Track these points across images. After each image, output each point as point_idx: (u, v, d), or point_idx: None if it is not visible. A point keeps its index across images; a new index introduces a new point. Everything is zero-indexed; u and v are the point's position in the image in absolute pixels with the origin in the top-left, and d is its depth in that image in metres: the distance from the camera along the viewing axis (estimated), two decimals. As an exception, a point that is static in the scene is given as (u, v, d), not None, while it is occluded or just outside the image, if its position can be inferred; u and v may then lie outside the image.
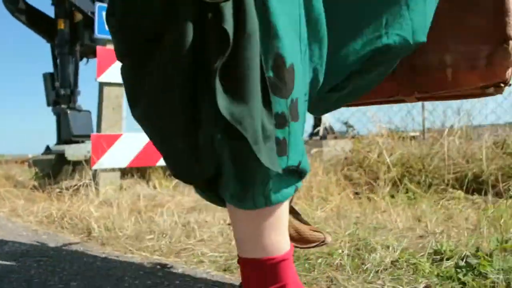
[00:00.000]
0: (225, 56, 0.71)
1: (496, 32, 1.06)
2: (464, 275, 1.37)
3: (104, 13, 3.34)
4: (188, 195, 3.07)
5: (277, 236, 0.90)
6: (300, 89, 0.82)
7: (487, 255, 1.48)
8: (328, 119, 6.82)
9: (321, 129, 6.71)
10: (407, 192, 3.17)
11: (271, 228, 0.89)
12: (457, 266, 1.44)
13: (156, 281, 1.44)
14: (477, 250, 1.54)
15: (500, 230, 1.75)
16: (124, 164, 3.45)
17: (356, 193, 3.19)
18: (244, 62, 0.72)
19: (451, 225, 2.06)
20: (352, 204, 2.73)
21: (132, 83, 0.84)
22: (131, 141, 3.50)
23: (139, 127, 0.87)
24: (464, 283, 1.32)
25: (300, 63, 0.82)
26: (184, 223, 2.26)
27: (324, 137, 7.35)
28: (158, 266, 1.63)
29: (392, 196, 3.09)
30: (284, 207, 0.90)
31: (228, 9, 0.72)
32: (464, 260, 1.46)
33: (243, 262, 0.94)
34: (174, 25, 0.73)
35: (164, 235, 2.04)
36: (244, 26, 0.73)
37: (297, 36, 0.82)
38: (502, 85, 1.11)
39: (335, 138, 6.39)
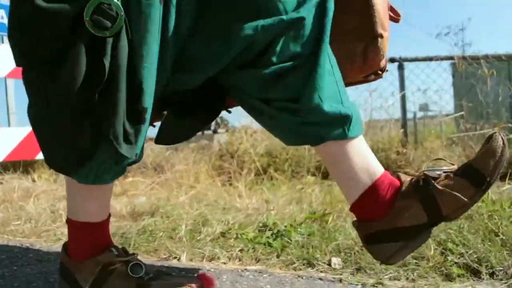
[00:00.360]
0: (101, 85, 0.92)
1: (367, 31, 1.20)
2: (274, 240, 1.69)
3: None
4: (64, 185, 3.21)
5: (99, 205, 1.15)
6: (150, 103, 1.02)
7: (298, 224, 1.82)
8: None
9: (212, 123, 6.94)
10: (271, 179, 3.53)
11: (96, 199, 1.14)
12: (272, 234, 1.76)
13: (10, 256, 1.63)
14: (294, 221, 1.87)
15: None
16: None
17: (228, 181, 3.50)
18: (115, 89, 0.93)
19: (293, 204, 2.39)
20: (217, 191, 3.01)
21: (33, 89, 1.01)
22: (7, 135, 3.56)
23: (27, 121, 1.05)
24: (271, 246, 1.64)
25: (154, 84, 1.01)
26: (54, 210, 2.42)
27: (215, 131, 7.61)
28: (18, 245, 1.81)
29: (257, 183, 3.43)
30: (111, 185, 1.16)
31: (109, 46, 0.92)
32: (277, 229, 1.78)
33: (70, 222, 1.16)
34: (72, 54, 0.91)
35: (31, 221, 2.20)
36: (117, 60, 0.93)
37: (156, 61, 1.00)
38: (380, 72, 1.29)
39: (227, 131, 6.66)
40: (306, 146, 3.73)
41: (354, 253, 1.54)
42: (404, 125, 4.05)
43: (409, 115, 4.26)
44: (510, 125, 3.87)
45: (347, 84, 1.37)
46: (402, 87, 4.09)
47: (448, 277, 1.41)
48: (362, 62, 1.21)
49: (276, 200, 2.54)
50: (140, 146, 1.03)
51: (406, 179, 1.09)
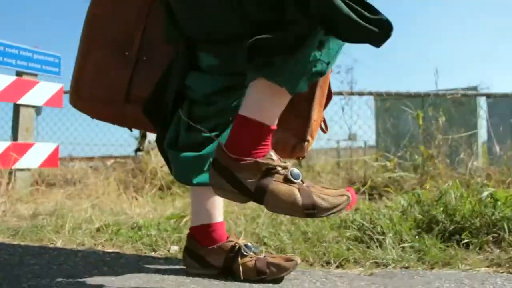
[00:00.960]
0: None
1: (300, 134, 1.61)
2: (135, 233, 2.17)
3: None
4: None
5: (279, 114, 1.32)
6: None
7: (159, 223, 2.31)
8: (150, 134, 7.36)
9: (145, 143, 7.30)
10: (174, 195, 4.01)
11: (281, 108, 1.31)
12: (137, 229, 2.24)
13: None
14: (158, 221, 2.36)
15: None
16: None
17: (134, 194, 3.95)
18: None
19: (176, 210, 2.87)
20: (119, 201, 3.46)
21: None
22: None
23: None
24: (131, 237, 2.12)
25: None
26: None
27: (137, 150, 7.94)
28: None
29: (161, 197, 3.90)
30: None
31: None
32: (142, 226, 2.27)
33: (246, 120, 1.27)
34: None
35: None
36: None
37: None
38: (301, 158, 1.76)
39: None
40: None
41: (190, 242, 2.03)
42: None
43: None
44: (386, 154, 4.51)
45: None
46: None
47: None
48: (290, 152, 1.67)
49: (164, 209, 3.02)
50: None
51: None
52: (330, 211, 1.24)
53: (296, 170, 1.26)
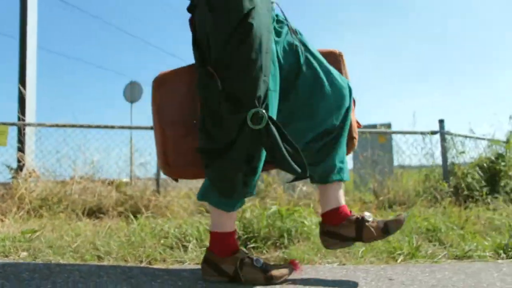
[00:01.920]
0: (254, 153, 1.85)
1: (350, 133, 2.12)
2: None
3: None
4: None
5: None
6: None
7: (15, 237, 2.86)
8: (31, 164, 7.60)
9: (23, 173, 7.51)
10: (42, 217, 4.50)
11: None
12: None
13: None
14: (14, 236, 2.91)
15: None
16: None
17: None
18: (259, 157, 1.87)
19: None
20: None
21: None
22: None
23: None
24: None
25: None
26: None
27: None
28: None
29: (28, 219, 4.37)
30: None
31: (258, 132, 1.77)
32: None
33: (217, 235, 2.04)
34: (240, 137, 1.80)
35: None
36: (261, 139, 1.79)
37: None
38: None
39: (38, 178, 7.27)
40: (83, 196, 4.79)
41: (36, 249, 2.61)
42: (157, 177, 5.28)
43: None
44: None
45: None
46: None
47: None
48: (347, 149, 2.16)
49: (28, 228, 3.53)
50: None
51: (353, 213, 2.07)
52: (282, 278, 2.00)
53: (259, 259, 2.01)
